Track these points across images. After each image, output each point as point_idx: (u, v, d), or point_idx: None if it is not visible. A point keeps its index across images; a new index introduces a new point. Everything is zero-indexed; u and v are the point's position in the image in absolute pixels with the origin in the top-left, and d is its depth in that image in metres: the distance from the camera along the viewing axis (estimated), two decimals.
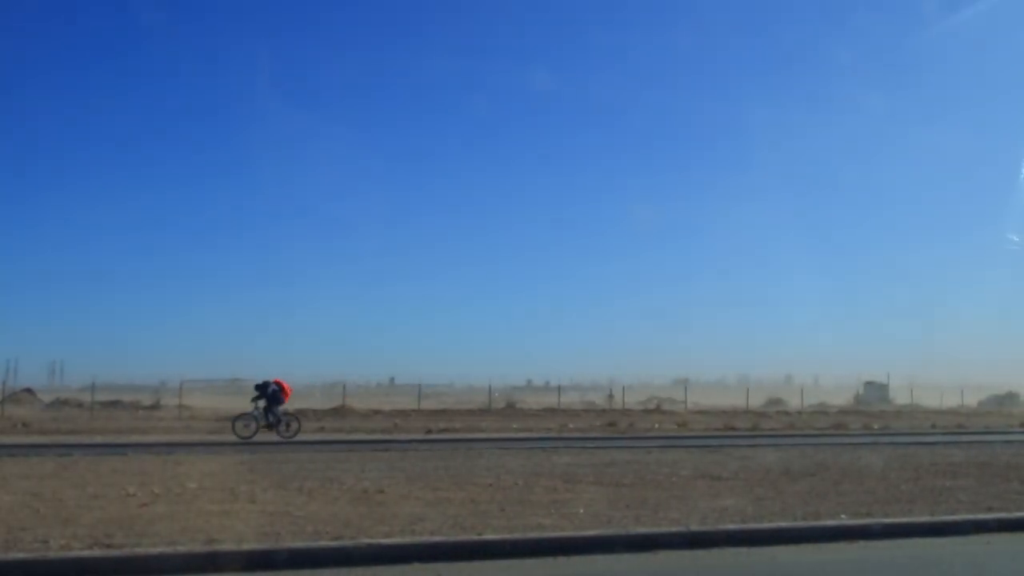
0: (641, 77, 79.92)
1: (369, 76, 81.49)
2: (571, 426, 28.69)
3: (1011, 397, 57.16)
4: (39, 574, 6.41)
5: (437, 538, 7.34)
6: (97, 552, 6.67)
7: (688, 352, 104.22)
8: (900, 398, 57.56)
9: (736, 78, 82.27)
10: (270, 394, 21.14)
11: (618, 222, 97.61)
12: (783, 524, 8.28)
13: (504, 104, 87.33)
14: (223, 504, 9.17)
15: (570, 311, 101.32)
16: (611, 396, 50.32)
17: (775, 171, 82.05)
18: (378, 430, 25.46)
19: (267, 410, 21.04)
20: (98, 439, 19.44)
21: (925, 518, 8.76)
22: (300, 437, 20.96)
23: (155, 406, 38.13)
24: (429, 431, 24.82)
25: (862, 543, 7.89)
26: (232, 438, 20.28)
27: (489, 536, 7.46)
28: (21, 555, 6.54)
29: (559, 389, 46.65)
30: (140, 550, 6.70)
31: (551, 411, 36.94)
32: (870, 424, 31.09)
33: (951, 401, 52.42)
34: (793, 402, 48.91)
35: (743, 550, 7.55)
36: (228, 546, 6.86)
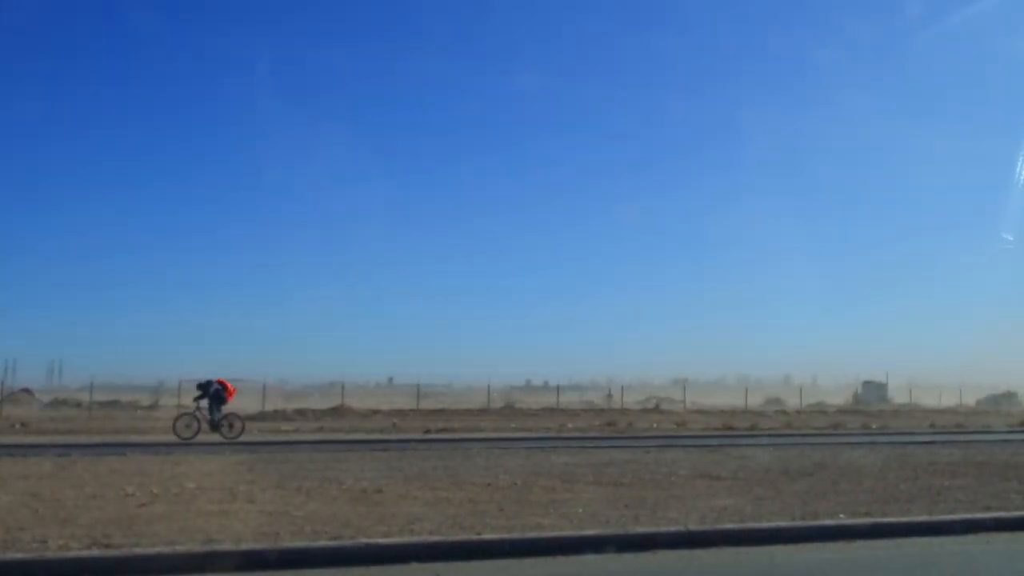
0: (634, 77, 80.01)
1: (367, 74, 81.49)
2: (570, 426, 28.70)
3: (1009, 396, 57.23)
4: (38, 574, 6.40)
5: (436, 538, 7.34)
6: (96, 552, 6.66)
7: (687, 352, 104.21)
8: (898, 398, 57.65)
9: (729, 78, 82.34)
10: (212, 394, 20.63)
11: (617, 222, 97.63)
12: (782, 524, 8.28)
13: (503, 104, 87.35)
14: (222, 504, 9.16)
15: (569, 311, 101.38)
16: (610, 396, 50.38)
17: (772, 171, 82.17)
18: (377, 430, 25.46)
19: (210, 410, 20.54)
20: (96, 439, 19.42)
21: (923, 517, 8.76)
22: (298, 436, 20.93)
23: (153, 406, 38.11)
24: (428, 431, 24.83)
25: (860, 542, 7.89)
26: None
27: (488, 536, 7.46)
28: (19, 555, 6.53)
29: (558, 389, 46.67)
30: (139, 550, 6.69)
31: (550, 411, 36.96)
32: (868, 424, 31.13)
33: (949, 400, 52.48)
34: (791, 402, 48.95)
35: (742, 550, 7.55)
36: (227, 546, 6.86)
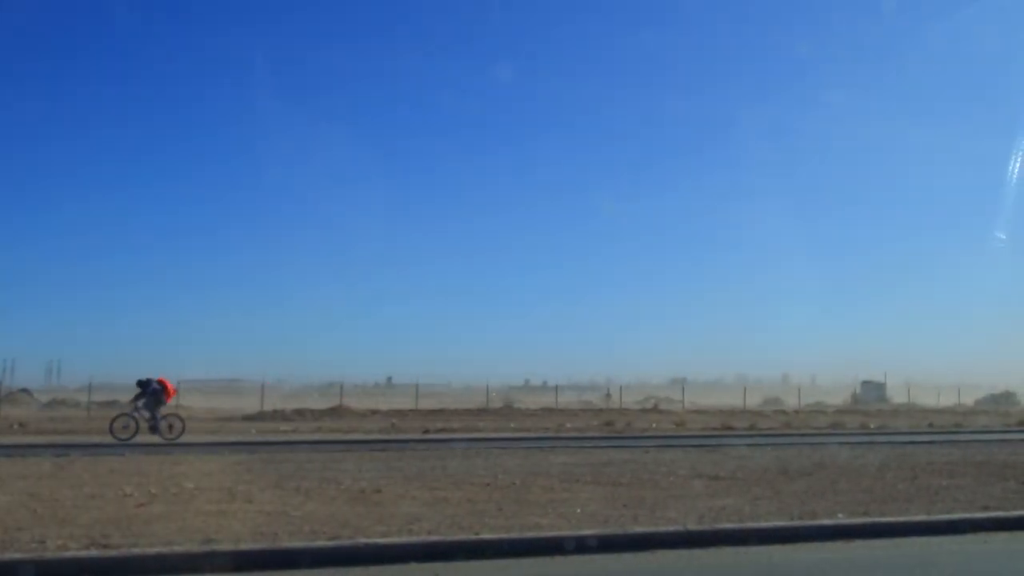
0: (634, 77, 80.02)
1: (367, 74, 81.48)
2: (568, 426, 28.69)
3: (1008, 396, 57.28)
4: (36, 574, 6.39)
5: (435, 538, 7.33)
6: (94, 552, 6.65)
7: (685, 352, 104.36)
8: (897, 397, 57.71)
9: (728, 78, 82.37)
10: (151, 393, 20.02)
11: (616, 222, 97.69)
12: (780, 523, 8.28)
13: (503, 104, 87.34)
14: (220, 504, 9.15)
15: (567, 311, 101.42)
16: (608, 396, 50.43)
17: (771, 171, 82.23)
18: (375, 430, 25.45)
19: (149, 410, 19.99)
20: (95, 439, 19.38)
21: (922, 517, 8.77)
22: (297, 436, 20.87)
23: None
24: (426, 431, 24.82)
25: (859, 542, 7.89)
26: (231, 437, 20.25)
27: (486, 536, 7.46)
28: (18, 555, 6.52)
29: (556, 389, 46.72)
30: (137, 550, 6.69)
31: (548, 411, 36.96)
32: (867, 423, 31.15)
33: (948, 400, 52.54)
34: (790, 401, 49.03)
35: (740, 549, 7.55)
36: (225, 546, 6.85)
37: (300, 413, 33.08)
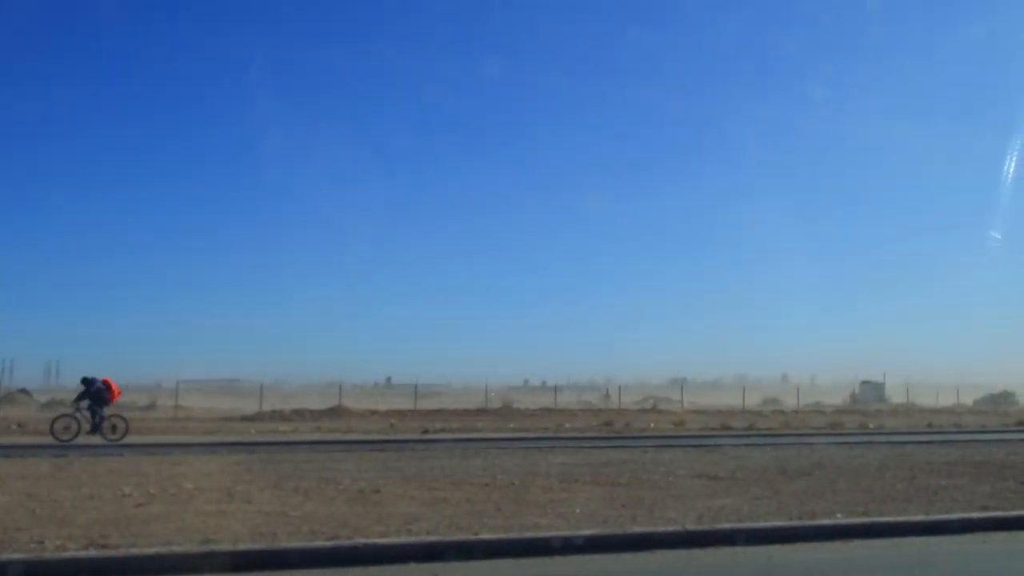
0: (632, 76, 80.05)
1: (366, 74, 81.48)
2: (567, 426, 28.70)
3: (1006, 396, 57.36)
4: (35, 574, 6.39)
5: (433, 538, 7.33)
6: (93, 552, 6.65)
7: (684, 352, 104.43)
8: (896, 397, 57.78)
9: (727, 78, 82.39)
10: (94, 393, 19.67)
11: (615, 222, 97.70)
12: (779, 523, 8.28)
13: (502, 104, 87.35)
14: (219, 504, 9.15)
15: (566, 311, 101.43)
16: (607, 396, 50.47)
17: (769, 171, 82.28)
18: (374, 430, 25.45)
19: (91, 410, 19.57)
20: (94, 440, 19.38)
21: (921, 517, 8.77)
22: (296, 437, 20.84)
23: (151, 406, 38.06)
24: (425, 431, 24.81)
25: (858, 542, 7.90)
26: (230, 438, 20.23)
27: (485, 536, 7.46)
28: (16, 555, 6.51)
29: (555, 389, 46.73)
30: (136, 550, 6.68)
31: (547, 411, 36.98)
32: (866, 423, 31.18)
33: (947, 400, 52.60)
34: (789, 401, 49.06)
35: (739, 549, 7.56)
36: (224, 546, 6.85)
37: (299, 413, 33.08)
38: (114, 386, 20.21)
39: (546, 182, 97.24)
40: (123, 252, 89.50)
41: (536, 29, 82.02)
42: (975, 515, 8.93)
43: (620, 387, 47.10)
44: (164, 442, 19.20)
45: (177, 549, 6.73)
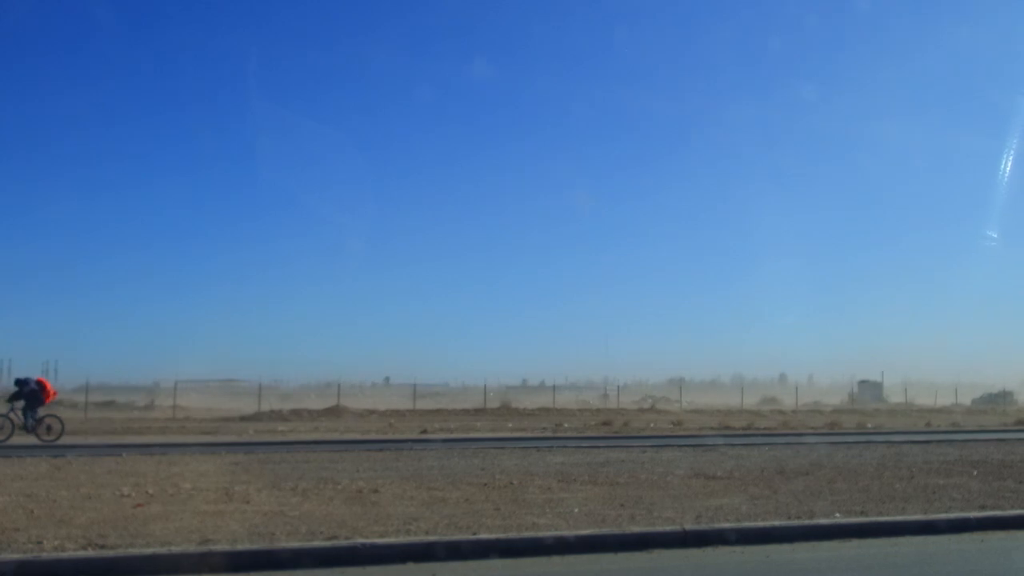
0: (630, 77, 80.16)
1: (364, 74, 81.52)
2: (566, 425, 28.72)
3: (1005, 395, 57.43)
4: (33, 575, 6.39)
5: (432, 538, 7.33)
6: (91, 553, 6.65)
7: (683, 352, 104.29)
8: (894, 397, 57.87)
9: (726, 79, 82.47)
10: (28, 393, 19.41)
11: (612, 221, 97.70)
12: (777, 523, 8.28)
13: (501, 104, 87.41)
14: (217, 504, 9.15)
15: (565, 311, 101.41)
16: (606, 395, 50.48)
17: (768, 171, 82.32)
18: (373, 430, 25.45)
19: (25, 411, 19.34)
20: (92, 440, 19.38)
21: (919, 516, 8.78)
22: (295, 437, 20.83)
23: (149, 406, 38.10)
24: (424, 431, 24.82)
25: (856, 541, 7.90)
26: (229, 438, 20.23)
27: (484, 536, 7.46)
28: (15, 556, 6.51)
29: (554, 389, 46.74)
30: (134, 551, 6.69)
31: (546, 411, 37.00)
32: (864, 423, 31.20)
33: (945, 400, 52.71)
34: (787, 401, 49.10)
35: (737, 549, 7.55)
36: (222, 546, 6.85)
37: (298, 413, 33.11)
38: (49, 387, 20.07)
39: (544, 182, 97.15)
40: (121, 252, 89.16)
41: (529, 29, 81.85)
42: (973, 514, 8.93)
43: (619, 387, 47.29)
44: (162, 442, 19.20)
45: (175, 549, 6.73)
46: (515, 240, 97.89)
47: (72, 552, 6.65)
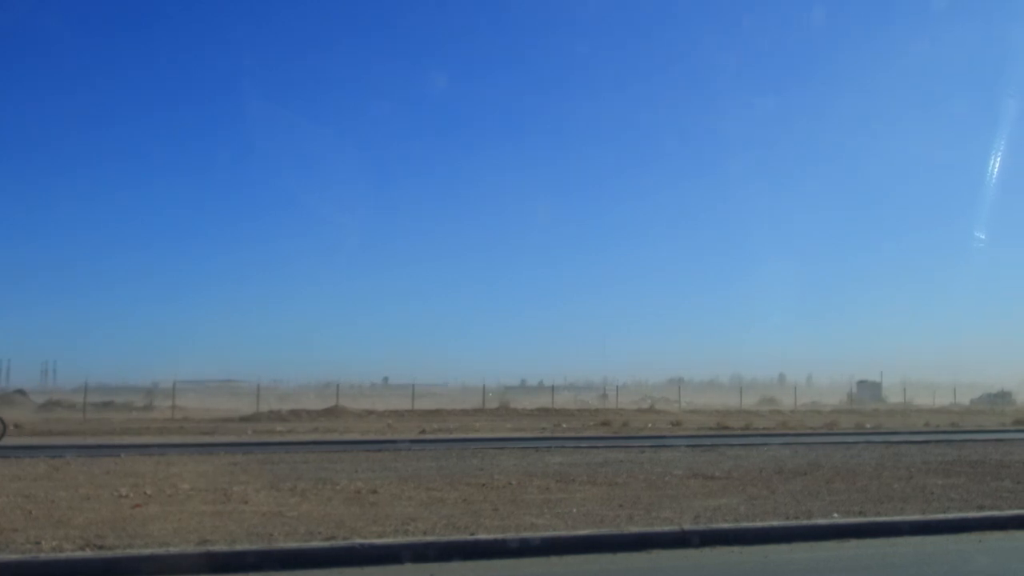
0: (628, 76, 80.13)
1: (362, 75, 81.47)
2: (565, 426, 28.72)
3: (1003, 395, 57.45)
4: (31, 575, 6.39)
5: (430, 538, 7.33)
6: (89, 553, 6.64)
7: (682, 352, 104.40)
8: (893, 397, 57.88)
9: (725, 79, 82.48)
10: None
11: (611, 221, 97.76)
12: (775, 523, 8.29)
13: (499, 104, 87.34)
14: (216, 505, 9.15)
15: (564, 311, 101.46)
16: (605, 396, 50.47)
17: (766, 171, 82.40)
18: (372, 430, 25.44)
19: None
20: (91, 440, 19.38)
21: (917, 516, 8.78)
22: (293, 437, 20.81)
23: (148, 407, 38.08)
24: (423, 431, 24.82)
25: (854, 541, 7.91)
26: (227, 438, 20.21)
27: (482, 536, 7.46)
28: (13, 556, 6.51)
29: (553, 389, 46.70)
30: (132, 551, 6.68)
31: (545, 411, 36.98)
32: (863, 423, 31.21)
33: (944, 400, 52.74)
34: (786, 401, 49.14)
35: (736, 549, 7.56)
36: (220, 547, 6.85)
37: (296, 414, 33.08)
38: None
39: (543, 182, 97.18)
40: (120, 252, 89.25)
41: (529, 31, 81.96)
42: (971, 515, 8.94)
43: (618, 387, 47.26)
44: (161, 442, 19.19)
45: (173, 550, 6.73)
46: (514, 240, 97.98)
47: (70, 553, 6.65)
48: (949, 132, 79.95)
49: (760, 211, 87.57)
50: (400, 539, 7.26)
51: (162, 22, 72.97)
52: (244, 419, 30.73)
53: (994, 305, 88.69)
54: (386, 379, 70.56)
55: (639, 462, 14.22)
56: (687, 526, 7.97)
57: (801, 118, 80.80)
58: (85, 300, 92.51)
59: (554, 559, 7.10)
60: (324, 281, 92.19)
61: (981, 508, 9.35)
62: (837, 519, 8.54)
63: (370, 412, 34.96)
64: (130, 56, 77.03)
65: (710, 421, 30.92)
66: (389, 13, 78.94)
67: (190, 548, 6.80)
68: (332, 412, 34.09)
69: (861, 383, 63.47)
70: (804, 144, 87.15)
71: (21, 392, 46.43)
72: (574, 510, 8.91)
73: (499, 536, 7.46)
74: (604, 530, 7.79)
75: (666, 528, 7.93)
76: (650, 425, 29.42)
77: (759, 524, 8.22)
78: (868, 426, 29.80)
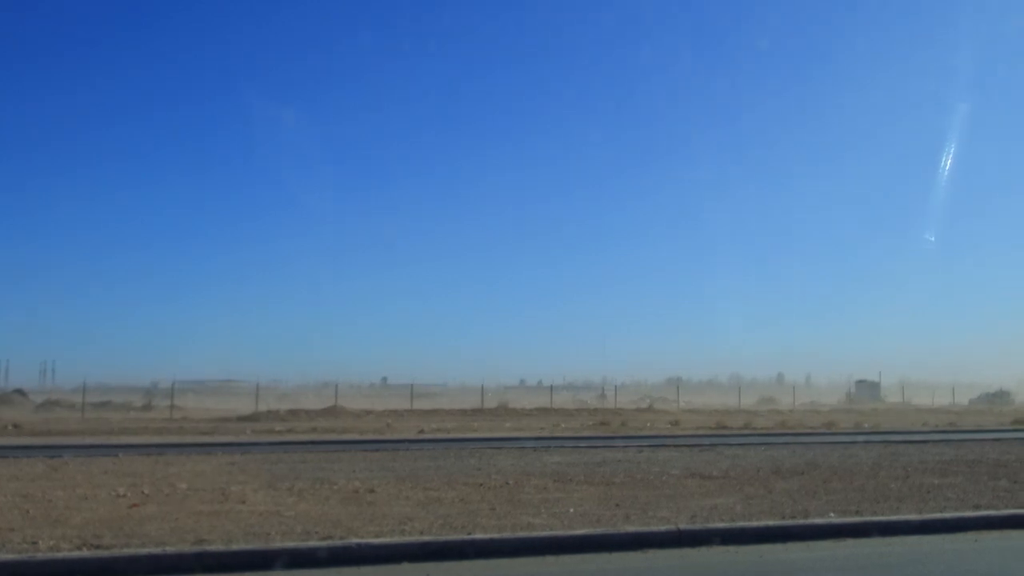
0: (625, 76, 79.99)
1: (359, 75, 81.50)
2: (563, 426, 28.72)
3: (1002, 395, 57.44)
4: (28, 575, 6.39)
5: (427, 538, 7.34)
6: (86, 553, 6.65)
7: (680, 352, 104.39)
8: (892, 396, 57.88)
9: (724, 79, 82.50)
10: None
11: (610, 222, 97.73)
12: (772, 522, 8.30)
13: (499, 104, 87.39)
14: (213, 504, 9.15)
15: (563, 311, 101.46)
16: (603, 395, 50.47)
17: (765, 171, 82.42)
18: (370, 430, 25.43)
19: None
20: (89, 440, 19.37)
21: (914, 516, 8.80)
22: (292, 437, 20.79)
23: (147, 407, 38.05)
24: (421, 431, 24.82)
25: (851, 541, 7.92)
26: (226, 438, 20.20)
27: (479, 535, 7.47)
28: (10, 556, 6.51)
29: (551, 389, 46.68)
30: (129, 551, 6.69)
31: (543, 411, 36.98)
32: (861, 423, 31.20)
33: (942, 399, 52.73)
34: (785, 401, 49.15)
35: (732, 548, 7.56)
36: (218, 546, 6.85)
37: (295, 414, 33.06)
38: None
39: (543, 182, 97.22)
40: (119, 253, 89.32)
41: (529, 33, 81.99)
42: (968, 514, 8.96)
43: (616, 387, 47.30)
44: (159, 442, 19.18)
45: (171, 549, 6.73)
46: (513, 240, 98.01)
47: (67, 552, 6.66)
48: (949, 132, 79.96)
49: (761, 210, 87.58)
50: (397, 539, 7.27)
51: (162, 22, 73.03)
52: (243, 419, 30.71)
53: (994, 305, 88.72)
54: (385, 379, 70.66)
55: (637, 462, 14.23)
56: (683, 526, 7.98)
57: (801, 118, 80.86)
58: (85, 300, 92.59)
59: (550, 559, 7.11)
60: (324, 281, 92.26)
61: (978, 507, 9.36)
62: (833, 519, 8.55)
63: (369, 412, 34.95)
64: (130, 56, 77.12)
65: (709, 421, 30.92)
66: (389, 13, 78.99)
67: (187, 548, 6.81)
68: (331, 412, 34.09)
69: (860, 383, 63.46)
70: (807, 143, 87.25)
71: (20, 392, 46.40)
72: (571, 510, 8.92)
73: (495, 536, 7.47)
74: (600, 530, 7.80)
75: (662, 528, 7.94)
76: (648, 425, 29.43)
77: (755, 524, 8.23)
78: (866, 426, 29.80)
